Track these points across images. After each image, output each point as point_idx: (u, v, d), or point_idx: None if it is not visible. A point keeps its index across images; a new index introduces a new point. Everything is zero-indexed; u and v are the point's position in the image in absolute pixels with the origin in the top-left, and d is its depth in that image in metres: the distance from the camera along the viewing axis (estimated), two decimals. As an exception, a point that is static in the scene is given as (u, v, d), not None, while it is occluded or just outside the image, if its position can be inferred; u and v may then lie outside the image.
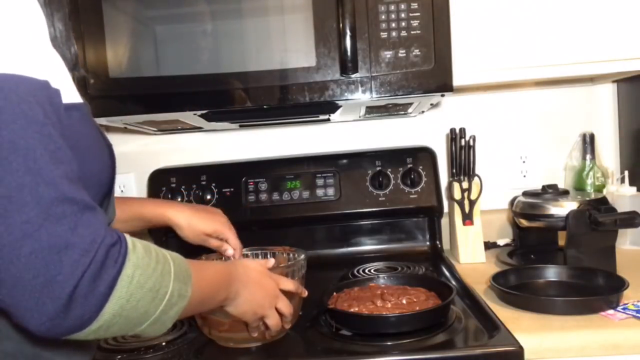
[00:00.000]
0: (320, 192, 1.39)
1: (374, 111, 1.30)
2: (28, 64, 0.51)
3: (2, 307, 0.49)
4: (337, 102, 1.07)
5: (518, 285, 1.08)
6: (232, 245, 1.03)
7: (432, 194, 1.38)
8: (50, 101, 0.52)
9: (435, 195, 1.39)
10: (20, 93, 0.49)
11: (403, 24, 1.03)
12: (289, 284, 0.88)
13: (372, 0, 1.02)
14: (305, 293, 0.93)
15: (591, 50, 1.17)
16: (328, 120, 1.41)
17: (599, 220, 1.09)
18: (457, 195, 1.33)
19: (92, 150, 0.60)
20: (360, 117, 1.41)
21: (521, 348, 0.82)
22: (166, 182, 1.41)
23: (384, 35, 1.03)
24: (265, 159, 1.46)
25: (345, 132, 1.53)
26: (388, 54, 1.03)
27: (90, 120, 0.61)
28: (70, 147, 0.52)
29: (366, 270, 1.25)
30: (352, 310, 0.94)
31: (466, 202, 1.33)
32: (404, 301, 0.95)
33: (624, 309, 0.93)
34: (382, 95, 1.05)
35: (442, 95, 1.07)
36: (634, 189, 1.36)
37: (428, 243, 1.44)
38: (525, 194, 1.32)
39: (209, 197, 1.40)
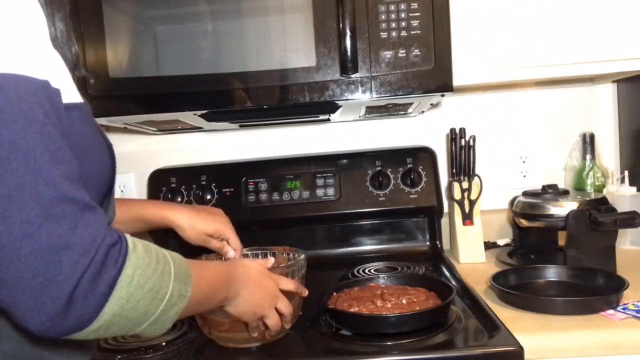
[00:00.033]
0: (320, 192, 1.39)
1: (374, 111, 1.30)
2: (28, 63, 0.51)
3: (2, 307, 0.49)
4: (337, 102, 1.07)
5: (518, 285, 1.08)
6: (232, 245, 1.03)
7: (432, 194, 1.38)
8: (50, 101, 0.52)
9: (435, 195, 1.39)
10: (20, 93, 0.49)
11: (403, 24, 1.03)
12: (289, 284, 0.88)
13: (372, 0, 1.02)
14: (306, 292, 0.93)
15: (591, 50, 1.17)
16: (328, 120, 1.41)
17: (599, 220, 1.09)
18: (457, 195, 1.33)
19: (92, 150, 0.60)
20: (360, 117, 1.41)
21: (521, 348, 0.82)
22: (166, 182, 1.41)
23: (384, 35, 1.03)
24: (265, 159, 1.46)
25: (345, 132, 1.53)
26: (388, 54, 1.03)
27: (90, 120, 0.61)
28: (70, 147, 0.52)
29: (366, 270, 1.25)
30: (352, 310, 0.94)
31: (466, 202, 1.33)
32: (404, 301, 0.95)
33: (624, 309, 0.93)
34: (382, 95, 1.05)
35: (442, 95, 1.07)
36: (634, 189, 1.36)
37: (428, 243, 1.44)
38: (525, 194, 1.32)
39: (209, 197, 1.40)
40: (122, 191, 1.52)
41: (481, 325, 0.93)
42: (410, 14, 1.02)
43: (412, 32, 1.03)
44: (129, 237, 0.54)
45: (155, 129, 1.38)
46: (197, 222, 1.00)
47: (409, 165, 1.39)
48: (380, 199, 1.38)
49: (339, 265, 1.32)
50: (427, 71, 1.04)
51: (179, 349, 0.92)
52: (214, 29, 1.05)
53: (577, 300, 0.96)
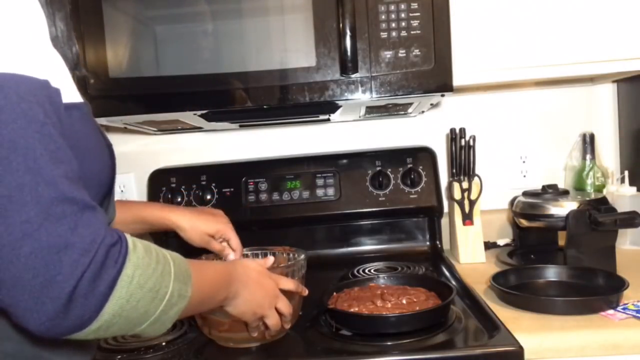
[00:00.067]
0: (320, 192, 1.39)
1: (374, 111, 1.30)
2: (28, 63, 0.51)
3: (2, 307, 0.49)
4: (337, 102, 1.07)
5: (518, 285, 1.08)
6: (233, 245, 1.03)
7: (432, 194, 1.38)
8: (50, 100, 0.52)
9: (435, 195, 1.39)
10: (20, 92, 0.49)
11: (403, 24, 1.03)
12: (289, 284, 0.88)
13: (372, 0, 1.02)
14: (306, 292, 0.93)
15: (591, 50, 1.17)
16: (328, 120, 1.41)
17: (599, 220, 1.09)
18: (457, 195, 1.33)
19: (92, 150, 0.60)
20: (360, 117, 1.41)
21: (521, 348, 0.82)
22: (166, 182, 1.41)
23: (384, 35, 1.03)
24: (265, 159, 1.46)
25: (345, 132, 1.53)
26: (388, 54, 1.03)
27: (90, 119, 0.61)
28: (70, 146, 0.52)
29: (366, 270, 1.25)
30: (352, 310, 0.94)
31: (466, 202, 1.33)
32: (404, 301, 0.95)
33: (624, 309, 0.93)
34: (382, 95, 1.05)
35: (442, 95, 1.07)
36: (634, 189, 1.36)
37: (428, 243, 1.44)
38: (525, 194, 1.32)
39: (209, 197, 1.40)
40: (122, 191, 1.52)
41: (481, 325, 0.93)
42: (410, 14, 1.02)
43: (412, 32, 1.03)
44: (129, 237, 0.54)
45: (155, 129, 1.38)
46: (198, 223, 1.00)
47: (409, 165, 1.39)
48: (380, 199, 1.38)
49: (339, 265, 1.32)
50: (427, 71, 1.04)
51: (179, 349, 0.92)
52: (214, 29, 1.05)
53: (577, 300, 0.96)
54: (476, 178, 1.33)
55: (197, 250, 1.02)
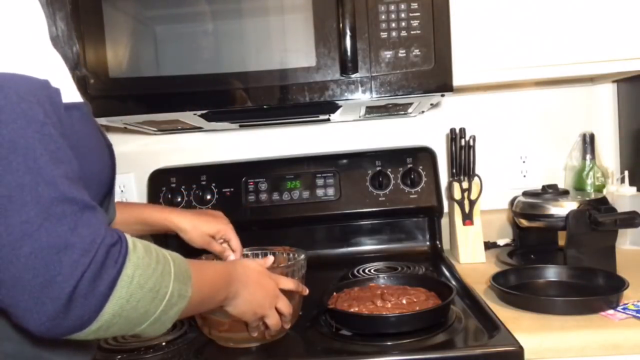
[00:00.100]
0: (320, 192, 1.39)
1: (374, 111, 1.30)
2: (28, 63, 0.51)
3: (2, 308, 0.49)
4: (337, 102, 1.07)
5: (518, 285, 1.08)
6: (233, 246, 1.03)
7: (432, 194, 1.38)
8: (50, 100, 0.52)
9: (435, 195, 1.39)
10: (20, 92, 0.49)
11: (403, 24, 1.03)
12: (289, 283, 0.88)
13: (372, 0, 1.02)
14: (307, 291, 0.93)
15: (591, 50, 1.17)
16: (328, 120, 1.41)
17: (599, 220, 1.09)
18: (457, 195, 1.33)
19: (92, 150, 0.60)
20: (360, 117, 1.41)
21: (521, 348, 0.82)
22: (166, 182, 1.41)
23: (384, 35, 1.03)
24: (265, 159, 1.46)
25: (345, 132, 1.53)
26: (388, 54, 1.03)
27: (90, 119, 0.61)
28: (70, 146, 0.52)
29: (366, 270, 1.25)
30: (352, 310, 0.94)
31: (466, 202, 1.33)
32: (404, 301, 0.95)
33: (624, 309, 0.93)
34: (382, 95, 1.05)
35: (442, 95, 1.07)
36: (634, 189, 1.36)
37: (428, 243, 1.44)
38: (525, 194, 1.32)
39: (209, 197, 1.40)
40: (122, 191, 1.52)
41: (481, 325, 0.93)
42: (410, 14, 1.02)
43: (412, 32, 1.03)
44: (129, 237, 0.54)
45: (155, 129, 1.38)
46: (199, 223, 1.00)
47: (409, 165, 1.39)
48: (380, 199, 1.38)
49: (339, 265, 1.32)
50: (427, 71, 1.04)
51: (179, 349, 0.92)
52: (214, 29, 1.05)
53: (577, 300, 0.96)
54: (476, 178, 1.33)
55: (197, 251, 1.02)
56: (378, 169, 1.39)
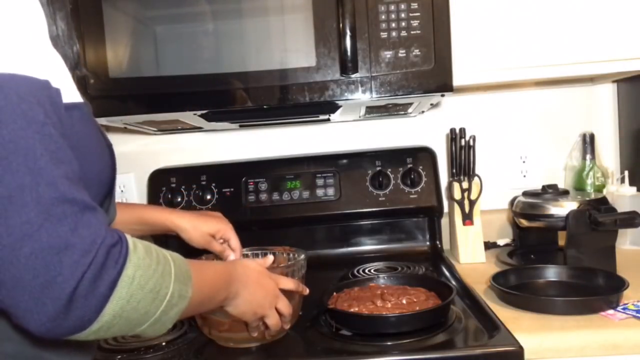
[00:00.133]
0: (320, 192, 1.39)
1: (374, 111, 1.30)
2: (28, 63, 0.51)
3: (3, 308, 0.49)
4: (337, 102, 1.07)
5: (518, 285, 1.08)
6: (233, 246, 1.03)
7: (432, 194, 1.38)
8: (50, 101, 0.52)
9: (435, 195, 1.39)
10: (20, 93, 0.48)
11: (403, 24, 1.03)
12: (289, 283, 0.88)
13: (372, 0, 1.02)
14: (307, 291, 0.93)
15: (591, 50, 1.17)
16: (328, 120, 1.41)
17: (599, 220, 1.09)
18: (457, 195, 1.33)
19: (92, 150, 0.60)
20: (360, 117, 1.41)
21: (521, 348, 0.82)
22: (166, 182, 1.41)
23: (384, 35, 1.03)
24: (265, 159, 1.46)
25: (345, 132, 1.53)
26: (388, 54, 1.03)
27: (91, 120, 0.61)
28: (70, 147, 0.52)
29: (366, 270, 1.25)
30: (352, 310, 0.94)
31: (466, 202, 1.33)
32: (404, 301, 0.95)
33: (624, 309, 0.93)
34: (382, 95, 1.05)
35: (442, 95, 1.07)
36: (634, 189, 1.36)
37: (428, 243, 1.44)
38: (525, 194, 1.32)
39: (209, 197, 1.40)
40: (122, 191, 1.52)
41: (481, 325, 0.93)
42: (410, 14, 1.02)
43: (412, 32, 1.03)
44: (129, 237, 0.54)
45: (155, 129, 1.38)
46: (199, 223, 1.00)
47: (409, 165, 1.39)
48: (380, 199, 1.38)
49: (339, 265, 1.32)
50: (427, 71, 1.04)
51: (179, 349, 0.92)
52: (214, 29, 1.05)
53: (577, 300, 0.96)
54: (476, 178, 1.33)
55: (197, 250, 1.02)
56: (378, 169, 1.39)
